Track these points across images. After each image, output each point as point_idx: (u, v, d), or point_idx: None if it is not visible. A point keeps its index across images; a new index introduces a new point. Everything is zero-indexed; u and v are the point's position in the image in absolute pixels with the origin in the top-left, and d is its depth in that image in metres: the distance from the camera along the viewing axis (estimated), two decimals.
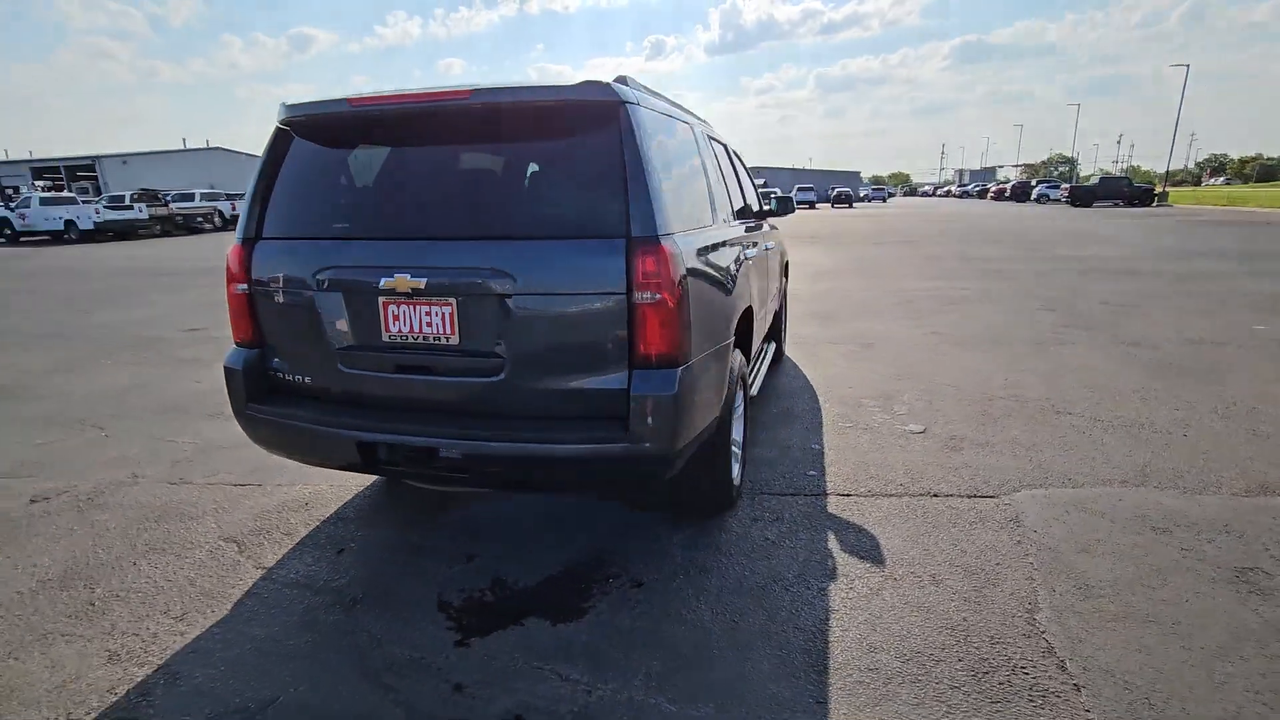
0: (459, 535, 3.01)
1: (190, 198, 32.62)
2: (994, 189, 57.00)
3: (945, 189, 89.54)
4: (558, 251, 2.14)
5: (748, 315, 3.35)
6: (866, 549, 2.79)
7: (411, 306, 2.26)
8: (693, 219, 2.59)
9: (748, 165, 4.97)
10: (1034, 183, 52.79)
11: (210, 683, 2.12)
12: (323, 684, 2.10)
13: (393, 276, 2.22)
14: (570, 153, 2.21)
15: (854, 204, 51.01)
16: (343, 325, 2.37)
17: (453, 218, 2.24)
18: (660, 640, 2.26)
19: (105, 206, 26.89)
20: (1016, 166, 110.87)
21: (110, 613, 2.48)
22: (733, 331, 2.72)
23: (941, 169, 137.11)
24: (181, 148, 57.00)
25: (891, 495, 3.27)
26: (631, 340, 2.13)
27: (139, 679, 2.13)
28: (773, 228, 5.18)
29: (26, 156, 54.12)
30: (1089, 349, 5.89)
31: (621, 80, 2.38)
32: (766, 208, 4.86)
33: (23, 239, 25.87)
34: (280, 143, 2.48)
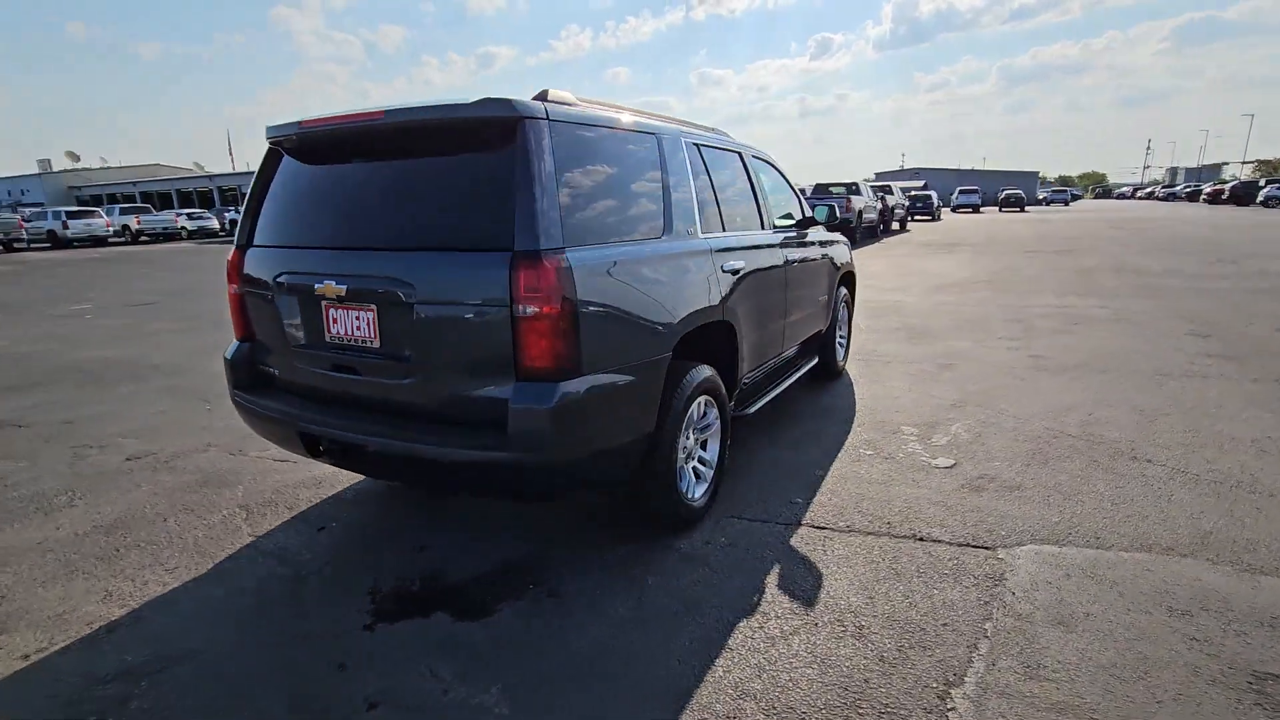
0: (428, 524, 3.20)
1: None
2: (1209, 190, 48.79)
3: (1148, 190, 78.17)
4: (452, 263, 2.23)
5: (723, 331, 3.22)
6: (805, 589, 2.59)
7: (345, 311, 2.46)
8: (623, 232, 2.56)
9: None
10: (1262, 182, 44.50)
11: (161, 629, 2.45)
12: (239, 645, 2.35)
13: (323, 283, 2.43)
14: (469, 167, 2.29)
15: (1026, 208, 46.06)
16: (297, 325, 2.63)
17: (373, 229, 2.41)
18: (541, 653, 2.27)
19: None
20: (1249, 163, 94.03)
21: (125, 559, 2.94)
22: (669, 348, 2.64)
23: (1146, 167, 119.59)
24: None
25: (871, 534, 2.99)
26: (515, 352, 2.16)
27: (113, 618, 2.52)
28: (825, 242, 4.91)
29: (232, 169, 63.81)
30: (1224, 386, 4.93)
31: (541, 95, 2.42)
32: (803, 217, 4.60)
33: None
34: (270, 159, 2.80)
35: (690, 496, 3.01)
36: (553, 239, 2.17)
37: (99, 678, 2.21)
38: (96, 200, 50.88)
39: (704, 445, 3.22)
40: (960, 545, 2.88)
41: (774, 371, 4.14)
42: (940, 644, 2.25)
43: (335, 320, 2.50)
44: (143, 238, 30.89)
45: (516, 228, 2.14)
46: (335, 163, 2.59)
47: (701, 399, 3.02)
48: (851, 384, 5.30)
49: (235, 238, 2.89)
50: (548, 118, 2.28)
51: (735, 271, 3.29)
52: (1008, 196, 45.12)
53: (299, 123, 2.52)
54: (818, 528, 3.07)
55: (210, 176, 63.96)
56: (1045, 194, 60.10)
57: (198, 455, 4.15)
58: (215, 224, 33.72)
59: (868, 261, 14.52)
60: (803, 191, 23.85)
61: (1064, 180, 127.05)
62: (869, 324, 7.65)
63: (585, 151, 2.47)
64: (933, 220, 32.92)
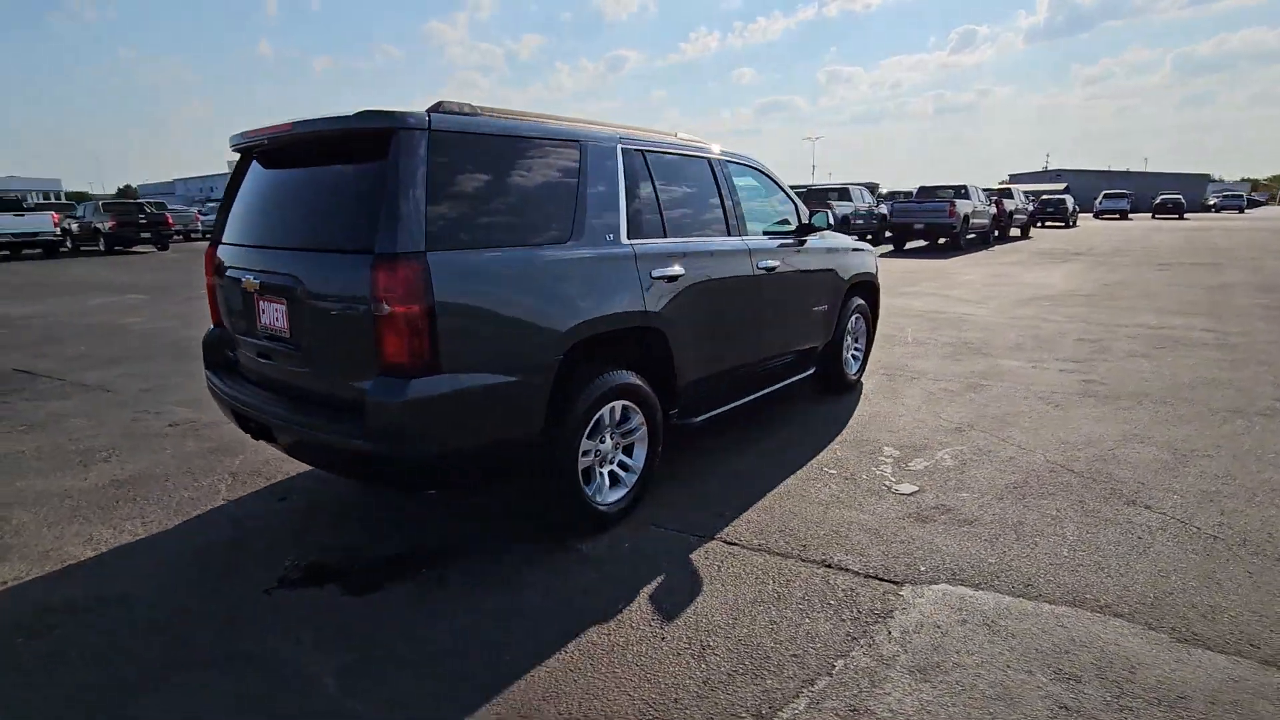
0: (381, 504, 3.43)
1: None
2: None
3: None
4: (331, 263, 2.41)
5: (653, 337, 3.21)
6: (676, 604, 2.55)
7: (267, 303, 2.73)
8: (514, 237, 2.65)
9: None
10: None
11: (113, 573, 2.84)
12: (161, 594, 2.68)
13: (246, 277, 2.71)
14: (352, 174, 2.45)
15: (1185, 215, 40.75)
16: (241, 314, 2.94)
17: (286, 229, 2.64)
18: (399, 634, 2.40)
19: None
20: None
21: (118, 510, 3.40)
22: (559, 351, 2.68)
23: None
24: None
25: (779, 555, 2.88)
26: (376, 348, 2.31)
27: (82, 559, 2.95)
28: (833, 250, 4.72)
29: None
30: None
31: (435, 106, 2.55)
32: (801, 224, 4.44)
33: None
34: (240, 164, 3.14)
35: (600, 500, 3.04)
36: (412, 243, 2.29)
37: (47, 606, 2.60)
38: None
39: (630, 450, 3.23)
40: (866, 576, 2.71)
41: (743, 381, 4.03)
42: (777, 675, 2.15)
43: (264, 311, 2.78)
44: None
45: (379, 231, 2.28)
46: (270, 168, 2.87)
47: (617, 404, 3.04)
48: (860, 399, 5.03)
49: (212, 234, 3.27)
50: (427, 128, 2.41)
51: (672, 278, 3.26)
52: (1163, 202, 40.21)
53: (241, 134, 2.82)
54: (729, 543, 2.99)
55: None
56: (1216, 198, 52.86)
57: (226, 426, 4.67)
58: None
59: (961, 270, 13.55)
60: (907, 195, 22.42)
61: (1255, 184, 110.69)
62: (922, 337, 7.19)
63: (474, 159, 2.58)
64: (1066, 227, 30.01)
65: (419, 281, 2.28)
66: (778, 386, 4.34)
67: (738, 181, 4.18)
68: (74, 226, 21.46)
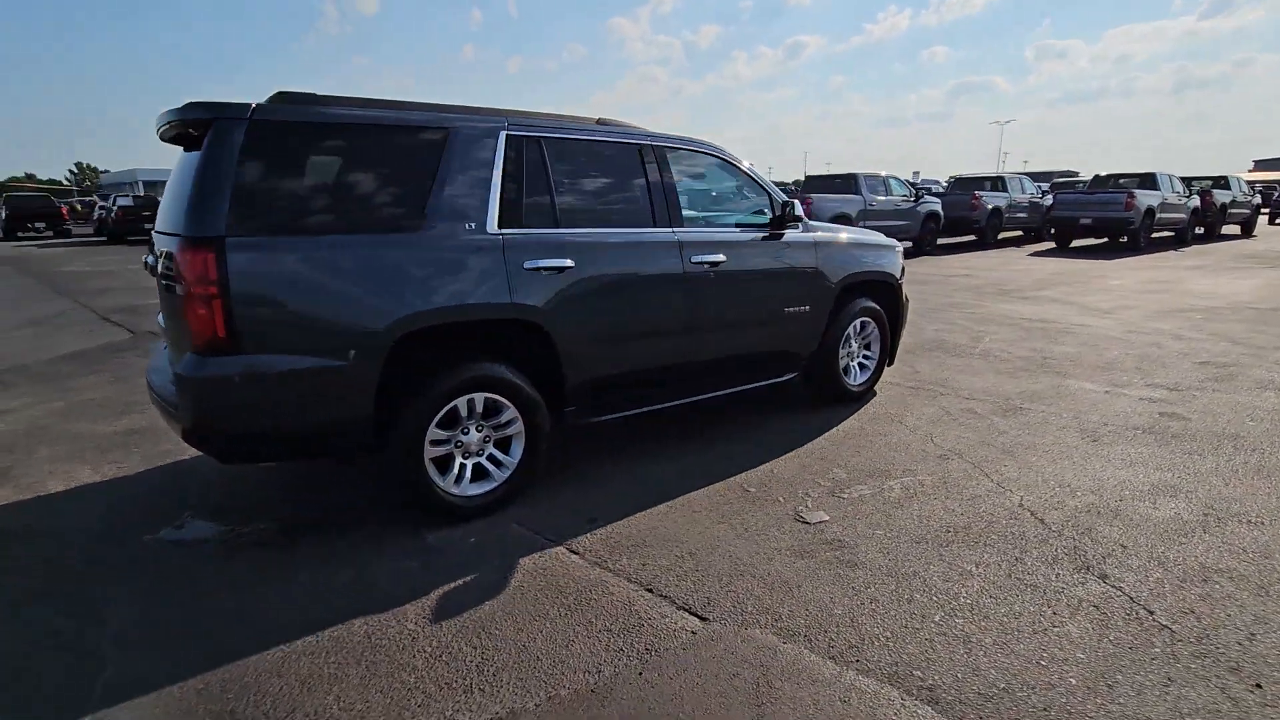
0: (321, 473, 3.67)
1: None
2: None
3: None
4: (169, 245, 2.57)
5: (530, 330, 3.09)
6: (459, 604, 2.45)
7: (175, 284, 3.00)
8: (346, 224, 2.68)
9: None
10: None
11: (58, 509, 3.30)
12: (79, 530, 3.08)
13: (147, 260, 3.01)
14: (189, 161, 2.59)
15: None
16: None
17: (163, 215, 2.87)
18: (204, 597, 2.56)
19: None
20: None
21: (107, 456, 3.96)
22: (390, 337, 2.66)
23: None
24: None
25: (609, 570, 2.67)
26: (186, 327, 2.45)
27: (45, 493, 3.46)
28: (821, 245, 4.26)
29: None
30: None
31: (276, 96, 2.64)
32: (776, 217, 4.03)
33: None
34: None
35: (456, 492, 3.01)
36: (210, 228, 2.40)
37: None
38: None
39: (506, 445, 3.16)
40: (679, 607, 2.42)
41: (677, 382, 3.75)
42: (505, 688, 1.99)
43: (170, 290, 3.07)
44: None
45: (187, 216, 2.42)
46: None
47: (479, 396, 2.98)
48: (856, 412, 4.48)
49: None
50: (249, 118, 2.51)
51: (557, 270, 3.12)
52: None
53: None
54: (572, 552, 2.83)
55: None
56: None
57: None
58: None
59: (1114, 274, 11.52)
60: (1078, 181, 18.82)
61: None
62: (997, 348, 6.23)
63: (304, 149, 2.65)
64: None
65: (213, 265, 2.39)
66: (734, 390, 4.00)
67: (689, 172, 3.90)
68: None
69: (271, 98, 2.65)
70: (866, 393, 4.80)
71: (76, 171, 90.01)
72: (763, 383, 4.16)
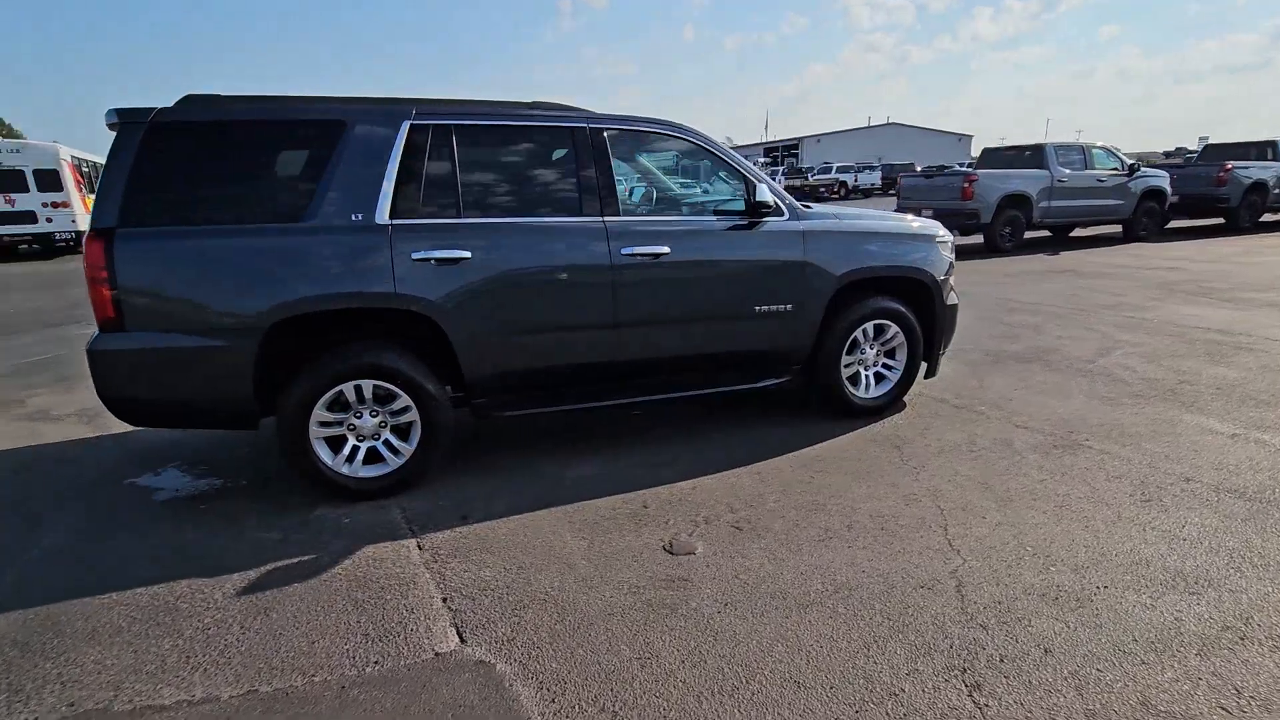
0: None
1: (828, 170, 37.90)
2: None
3: None
4: None
5: (420, 321, 3.07)
6: (275, 581, 2.54)
7: None
8: (234, 216, 2.86)
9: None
10: None
11: (92, 448, 4.01)
12: (107, 470, 3.73)
13: None
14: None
15: None
16: None
17: None
18: (108, 537, 2.95)
19: None
20: None
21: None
22: (264, 322, 2.80)
23: None
24: (865, 125, 64.70)
25: (433, 574, 2.59)
26: None
27: (89, 437, 4.21)
28: (811, 234, 3.70)
29: (761, 140, 71.57)
30: None
31: (183, 99, 2.88)
32: (751, 203, 3.54)
33: None
34: None
35: (345, 472, 3.10)
36: (104, 221, 2.70)
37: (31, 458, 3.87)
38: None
39: (404, 433, 3.20)
40: (451, 623, 2.28)
41: (609, 382, 3.50)
42: (214, 670, 2.06)
43: None
44: None
45: (93, 211, 2.76)
46: None
47: (366, 383, 3.04)
48: (860, 430, 3.84)
49: None
50: (148, 121, 2.77)
51: (450, 261, 3.05)
52: None
53: None
54: (420, 547, 2.79)
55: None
56: None
57: None
58: (697, 192, 39.80)
59: None
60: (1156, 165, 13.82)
61: None
62: (1126, 362, 4.93)
63: (201, 147, 2.86)
64: None
65: (103, 253, 2.69)
66: (693, 393, 3.64)
67: (650, 157, 3.58)
68: None
69: (178, 101, 2.92)
70: (886, 407, 4.09)
71: None
72: (734, 387, 3.72)
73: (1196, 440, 3.57)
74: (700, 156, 3.69)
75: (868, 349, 4.00)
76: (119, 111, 2.82)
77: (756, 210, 3.56)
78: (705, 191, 3.93)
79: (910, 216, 4.27)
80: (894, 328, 3.96)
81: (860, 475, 3.30)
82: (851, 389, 3.97)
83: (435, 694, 1.96)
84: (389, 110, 3.11)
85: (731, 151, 3.67)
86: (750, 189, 3.58)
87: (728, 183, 3.72)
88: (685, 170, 4.80)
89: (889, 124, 63.27)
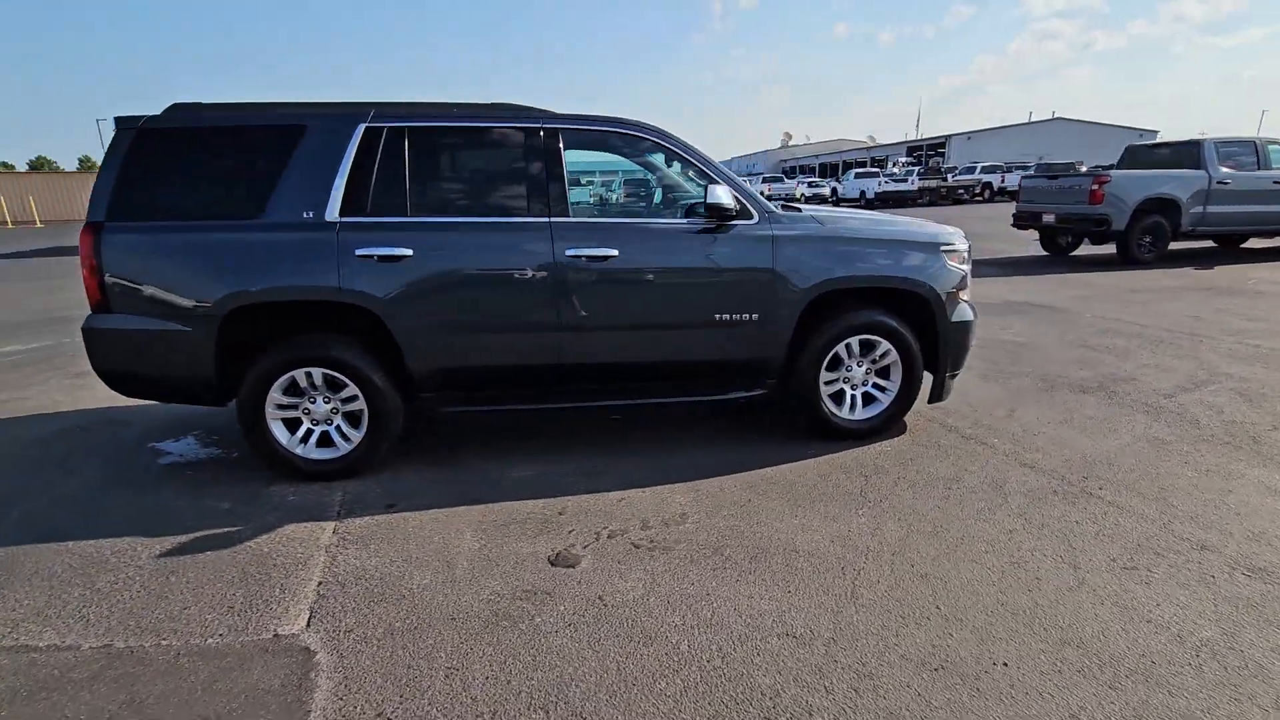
0: None
1: (971, 171, 34.99)
2: None
3: None
4: None
5: (363, 315, 3.20)
6: (198, 545, 2.76)
7: None
8: (207, 212, 3.13)
9: None
10: None
11: (140, 413, 4.57)
12: (141, 435, 4.25)
13: None
14: None
15: None
16: None
17: None
18: (103, 491, 3.36)
19: (886, 178, 32.35)
20: None
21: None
22: (222, 310, 3.07)
23: None
24: (1025, 121, 58.99)
25: (326, 561, 2.70)
26: None
27: (139, 404, 4.79)
28: (782, 237, 3.45)
29: (904, 139, 67.46)
30: None
31: (173, 106, 3.19)
32: (712, 205, 3.33)
33: (839, 202, 34.47)
34: None
35: (297, 452, 3.30)
36: (95, 215, 3.06)
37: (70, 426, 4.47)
38: (794, 171, 63.30)
39: (356, 420, 3.36)
40: (282, 608, 2.36)
41: (560, 384, 3.45)
42: (84, 626, 2.28)
43: None
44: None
45: (89, 205, 3.14)
46: None
47: (316, 370, 3.22)
48: (831, 455, 3.51)
49: None
50: (138, 127, 3.10)
51: (392, 258, 3.15)
52: None
53: None
54: (334, 532, 2.91)
55: (869, 148, 72.01)
56: None
57: None
58: (825, 190, 38.29)
59: None
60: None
61: None
62: (1216, 400, 4.13)
63: (180, 151, 3.14)
64: None
65: (92, 244, 3.07)
66: (653, 401, 3.50)
67: (611, 158, 3.50)
68: None
69: (165, 109, 3.25)
70: (877, 431, 3.70)
71: None
72: (699, 397, 3.54)
73: (1246, 502, 2.92)
74: (668, 159, 3.54)
75: (854, 366, 3.64)
76: (118, 119, 3.18)
77: (719, 213, 3.36)
78: (669, 193, 3.75)
79: (923, 221, 3.83)
80: (885, 344, 3.58)
81: (803, 504, 3.02)
82: (833, 408, 3.64)
83: (245, 674, 2.04)
84: (346, 114, 3.27)
85: (699, 151, 3.49)
86: (713, 191, 3.38)
87: (696, 184, 3.54)
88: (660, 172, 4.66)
89: (1054, 119, 57.25)
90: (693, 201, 3.54)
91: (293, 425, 3.34)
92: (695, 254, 3.40)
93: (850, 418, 3.66)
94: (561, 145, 3.35)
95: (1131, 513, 2.85)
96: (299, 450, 3.34)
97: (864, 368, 3.66)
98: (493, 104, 3.44)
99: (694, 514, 2.97)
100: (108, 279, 3.11)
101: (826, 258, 3.46)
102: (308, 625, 2.28)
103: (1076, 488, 3.10)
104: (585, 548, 2.71)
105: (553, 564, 2.60)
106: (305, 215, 3.17)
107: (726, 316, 3.43)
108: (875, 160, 61.97)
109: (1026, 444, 3.60)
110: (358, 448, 3.34)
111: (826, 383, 3.62)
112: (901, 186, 31.39)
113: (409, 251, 3.18)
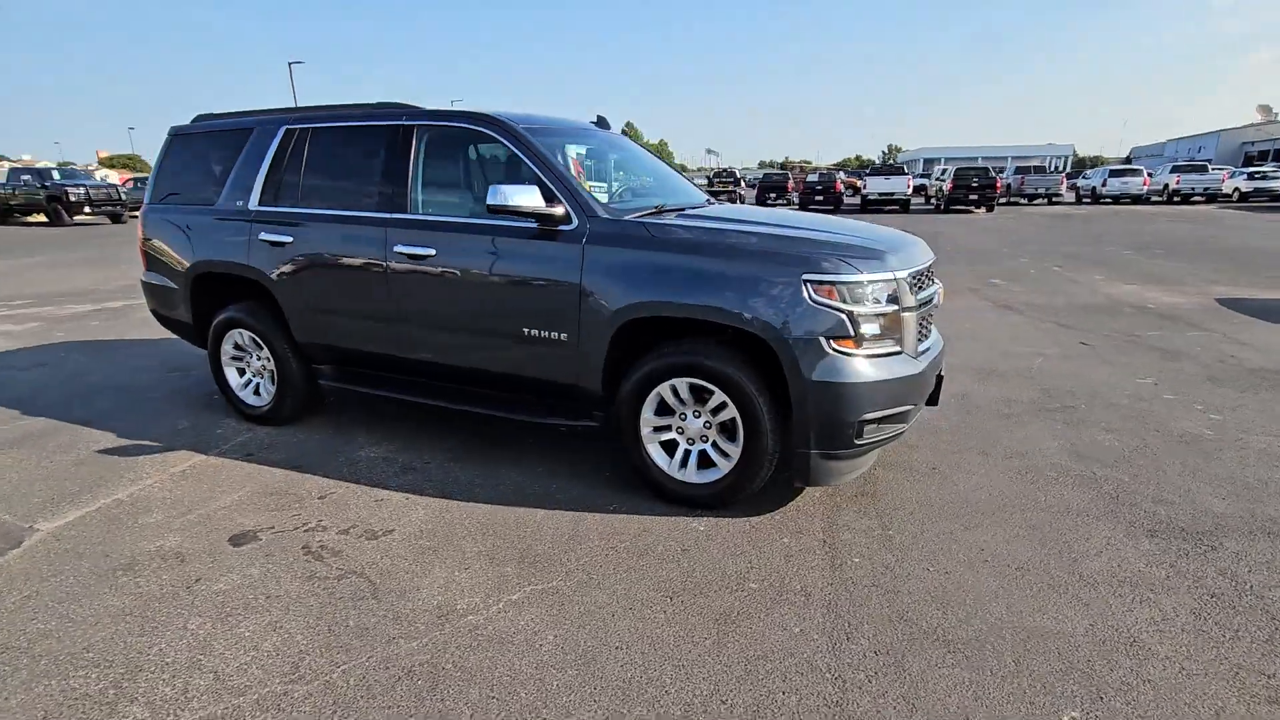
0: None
1: None
2: None
3: None
4: None
5: (261, 288, 3.73)
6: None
7: None
8: (198, 198, 3.96)
9: None
10: None
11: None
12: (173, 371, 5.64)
13: None
14: None
15: None
16: None
17: None
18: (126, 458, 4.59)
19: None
20: None
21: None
22: (192, 273, 3.91)
23: None
24: None
25: (151, 484, 3.32)
26: None
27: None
28: (586, 249, 2.94)
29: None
30: None
31: (198, 117, 4.11)
32: (547, 203, 2.95)
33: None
34: None
35: (240, 396, 4.05)
36: (146, 199, 4.17)
37: None
38: (1263, 156, 46.20)
39: (273, 378, 3.96)
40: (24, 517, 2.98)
41: (413, 377, 3.51)
42: None
43: None
44: (1175, 198, 28.76)
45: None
46: None
47: (244, 332, 3.89)
48: (662, 515, 2.85)
49: None
50: (176, 132, 4.11)
51: (279, 244, 3.59)
52: None
53: None
54: (193, 458, 3.54)
55: None
56: None
57: None
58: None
59: None
60: None
61: None
62: (1265, 443, 2.15)
63: (194, 149, 4.05)
64: None
65: (141, 220, 4.19)
66: (499, 413, 3.29)
67: (471, 154, 3.40)
68: None
69: (193, 119, 4.19)
70: (721, 501, 2.87)
71: None
72: (521, 417, 3.21)
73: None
74: (515, 157, 3.19)
75: (688, 415, 2.88)
76: (172, 127, 4.27)
77: (544, 218, 2.96)
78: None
79: (852, 223, 2.77)
80: (720, 396, 2.74)
81: (500, 560, 2.58)
82: (661, 462, 2.95)
83: None
84: (278, 117, 3.80)
85: (534, 145, 3.08)
86: (545, 193, 2.98)
87: (532, 183, 3.14)
88: (596, 171, 4.12)
89: None
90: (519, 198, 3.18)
91: (241, 372, 4.11)
92: (502, 259, 3.09)
93: (680, 479, 2.92)
94: (414, 142, 3.35)
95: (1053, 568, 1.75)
96: (240, 395, 4.08)
97: (702, 419, 2.87)
98: (378, 103, 3.59)
99: (403, 533, 2.80)
100: (146, 245, 4.25)
101: (638, 276, 2.79)
102: (61, 520, 2.90)
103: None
104: (271, 534, 2.81)
105: (230, 543, 2.77)
106: (237, 204, 3.83)
107: (535, 332, 3.05)
108: None
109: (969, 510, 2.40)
110: (270, 401, 3.95)
111: (656, 428, 2.95)
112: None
113: (289, 239, 3.60)
